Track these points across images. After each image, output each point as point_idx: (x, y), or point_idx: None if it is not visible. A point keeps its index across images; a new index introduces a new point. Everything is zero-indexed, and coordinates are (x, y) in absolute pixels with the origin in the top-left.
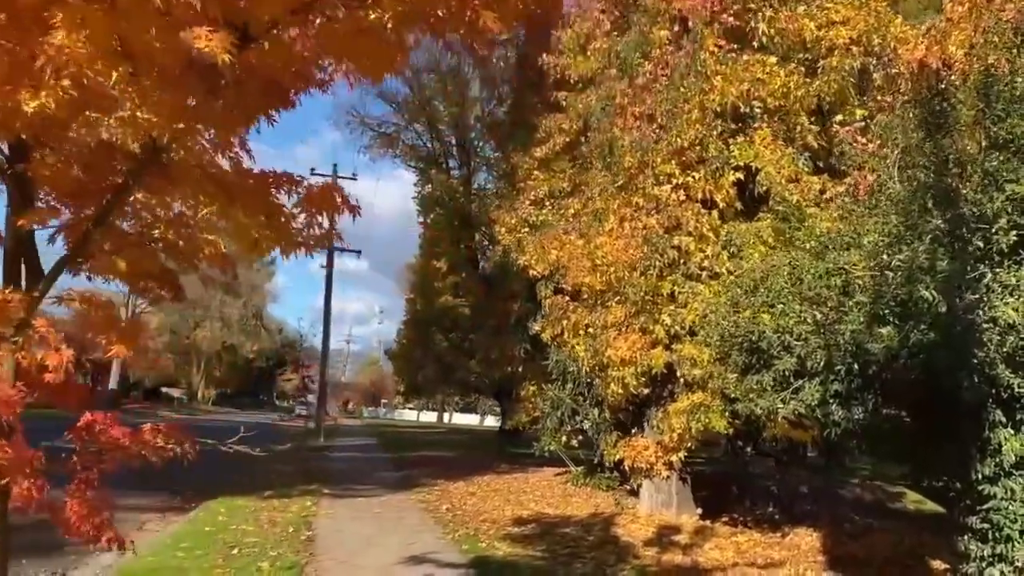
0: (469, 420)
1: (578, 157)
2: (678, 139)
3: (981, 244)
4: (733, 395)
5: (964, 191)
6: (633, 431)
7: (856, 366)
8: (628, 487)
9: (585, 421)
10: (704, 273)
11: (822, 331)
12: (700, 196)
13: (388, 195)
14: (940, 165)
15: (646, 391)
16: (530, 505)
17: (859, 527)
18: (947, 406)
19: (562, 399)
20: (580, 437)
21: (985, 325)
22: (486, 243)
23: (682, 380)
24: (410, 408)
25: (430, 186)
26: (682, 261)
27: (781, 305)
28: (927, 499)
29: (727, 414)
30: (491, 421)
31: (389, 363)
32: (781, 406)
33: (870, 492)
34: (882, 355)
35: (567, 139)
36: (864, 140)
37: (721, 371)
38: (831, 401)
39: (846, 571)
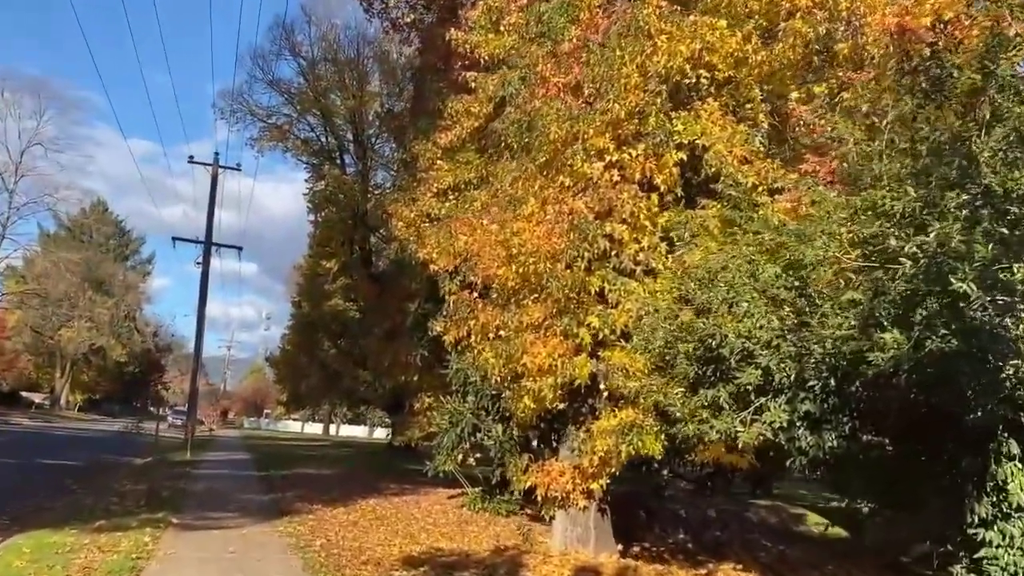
0: (357, 432)
1: (487, 146)
2: (616, 106)
3: (1006, 230)
4: (679, 414)
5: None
6: (545, 453)
7: (832, 382)
8: (530, 511)
9: (487, 439)
10: (639, 268)
11: (794, 337)
12: (638, 177)
13: (281, 198)
14: (950, 135)
15: (561, 406)
16: (422, 537)
17: (773, 555)
18: (943, 433)
19: (463, 414)
20: (478, 454)
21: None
22: (383, 246)
23: (606, 395)
24: (295, 419)
25: (323, 183)
26: (614, 253)
27: (745, 304)
28: (830, 522)
29: (663, 436)
30: (380, 433)
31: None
32: (741, 429)
33: (774, 514)
34: (884, 367)
35: (476, 124)
36: (823, 122)
37: (660, 384)
38: (799, 424)
39: None
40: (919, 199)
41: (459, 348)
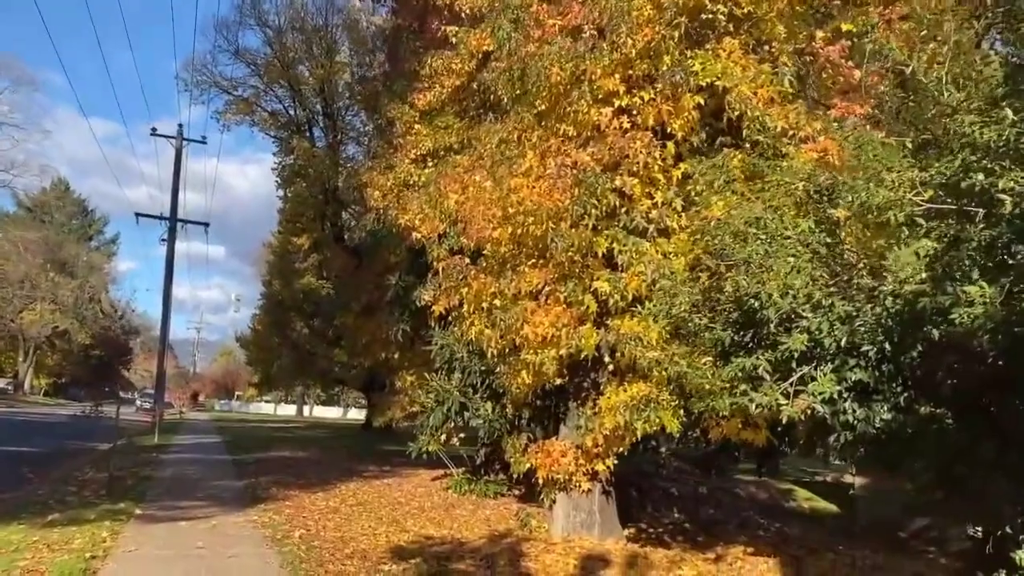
0: (331, 414)
1: (469, 108)
2: (628, 40)
3: None
4: (707, 386)
5: None
6: (537, 432)
7: (887, 346)
8: (518, 492)
9: (476, 418)
10: (652, 227)
11: (850, 296)
12: (651, 123)
13: (249, 179)
14: None
15: (559, 382)
16: (408, 524)
17: (771, 533)
18: (1014, 405)
19: (449, 392)
20: (462, 434)
21: None
22: (355, 222)
23: (611, 368)
24: (267, 401)
25: (292, 156)
26: (624, 211)
27: (791, 259)
28: (816, 496)
29: (681, 412)
30: (355, 414)
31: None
32: (784, 402)
33: (763, 490)
34: (969, 325)
35: (457, 82)
36: (851, 63)
37: (683, 354)
38: (845, 395)
39: None
40: (1021, 122)
41: (449, 320)
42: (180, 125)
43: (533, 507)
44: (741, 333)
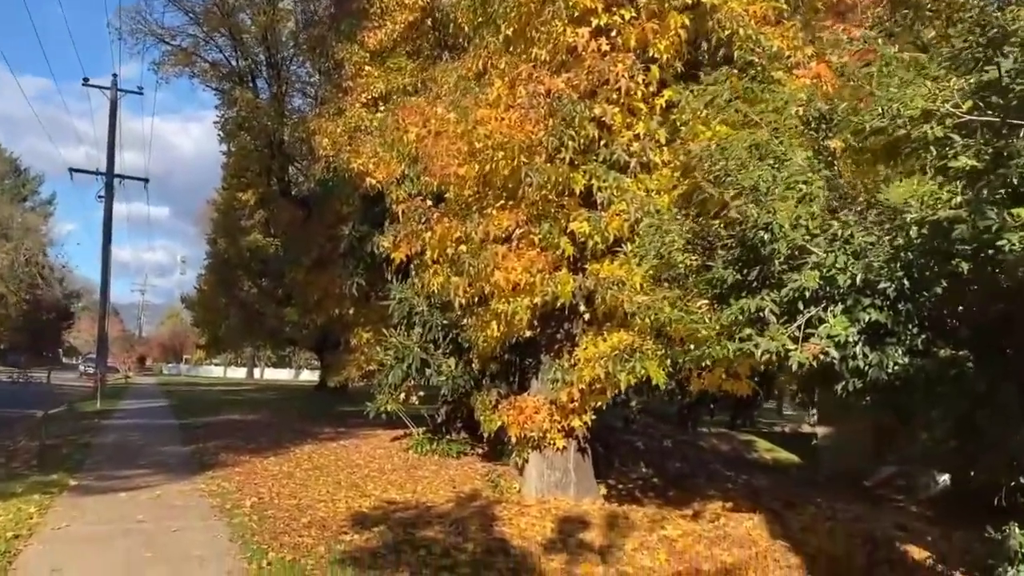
0: (283, 375)
1: (423, 48)
2: None
3: None
4: (703, 332)
5: None
6: (502, 389)
7: (907, 283)
8: (481, 451)
9: (438, 375)
10: (634, 161)
11: (867, 226)
12: (633, 44)
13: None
14: None
15: (529, 334)
16: (369, 488)
17: (740, 486)
18: None
19: (409, 348)
20: (421, 392)
21: None
22: (302, 177)
23: (587, 317)
24: (216, 364)
25: (235, 109)
26: (603, 143)
27: (803, 186)
28: (776, 447)
29: (668, 361)
30: (307, 376)
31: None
32: (792, 348)
33: (725, 442)
34: (1018, 253)
35: (410, 18)
36: None
37: (675, 297)
38: (857, 339)
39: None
40: None
41: (409, 270)
42: (115, 75)
43: (499, 466)
44: (744, 271)
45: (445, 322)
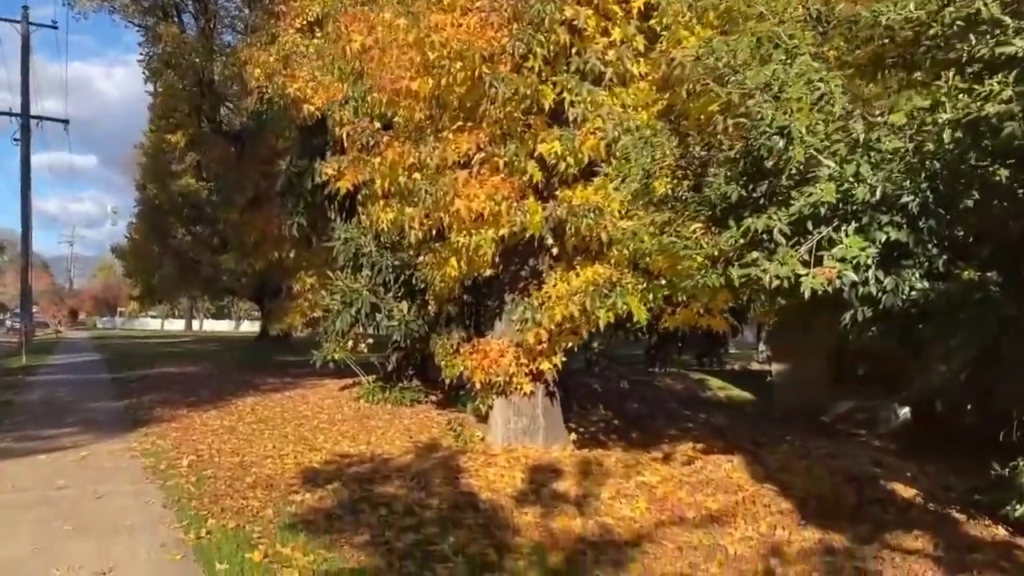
0: (223, 327)
1: None
2: None
3: None
4: (698, 259)
5: None
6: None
7: (930, 197)
8: (435, 398)
9: (389, 320)
10: (609, 71)
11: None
12: None
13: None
14: None
15: (489, 272)
16: (319, 441)
17: (700, 425)
18: None
19: (358, 292)
20: (370, 339)
21: None
22: (234, 116)
23: (554, 251)
24: (153, 316)
25: (159, 45)
26: (575, 51)
27: (820, 84)
28: (728, 384)
29: (649, 296)
30: (248, 327)
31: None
32: (804, 272)
33: (678, 381)
34: None
35: None
36: None
37: (663, 222)
38: (872, 262)
39: (827, 523)
40: None
41: (356, 204)
42: (25, 8)
43: (455, 413)
44: (750, 187)
45: (396, 263)
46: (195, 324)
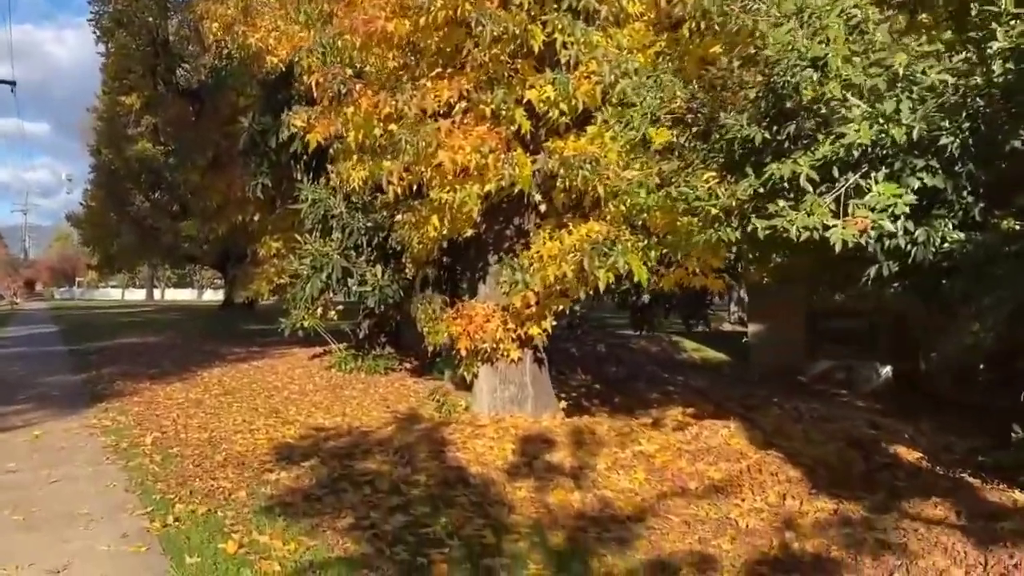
0: (185, 296)
1: None
2: None
3: None
4: (713, 211)
5: None
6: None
7: (971, 137)
8: (410, 366)
9: (362, 285)
10: (604, 9)
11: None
12: None
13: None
14: None
15: (469, 233)
16: (291, 414)
17: (681, 388)
18: None
19: (328, 256)
20: (339, 306)
21: None
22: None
23: (542, 208)
24: (113, 286)
25: (111, 3)
26: None
27: (855, 10)
28: (702, 346)
29: (651, 254)
30: (211, 295)
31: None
32: (834, 223)
33: (653, 343)
34: None
35: None
36: None
37: (671, 169)
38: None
39: (839, 491)
40: None
41: (325, 164)
42: None
43: (432, 381)
44: (773, 128)
45: (369, 224)
46: (156, 293)
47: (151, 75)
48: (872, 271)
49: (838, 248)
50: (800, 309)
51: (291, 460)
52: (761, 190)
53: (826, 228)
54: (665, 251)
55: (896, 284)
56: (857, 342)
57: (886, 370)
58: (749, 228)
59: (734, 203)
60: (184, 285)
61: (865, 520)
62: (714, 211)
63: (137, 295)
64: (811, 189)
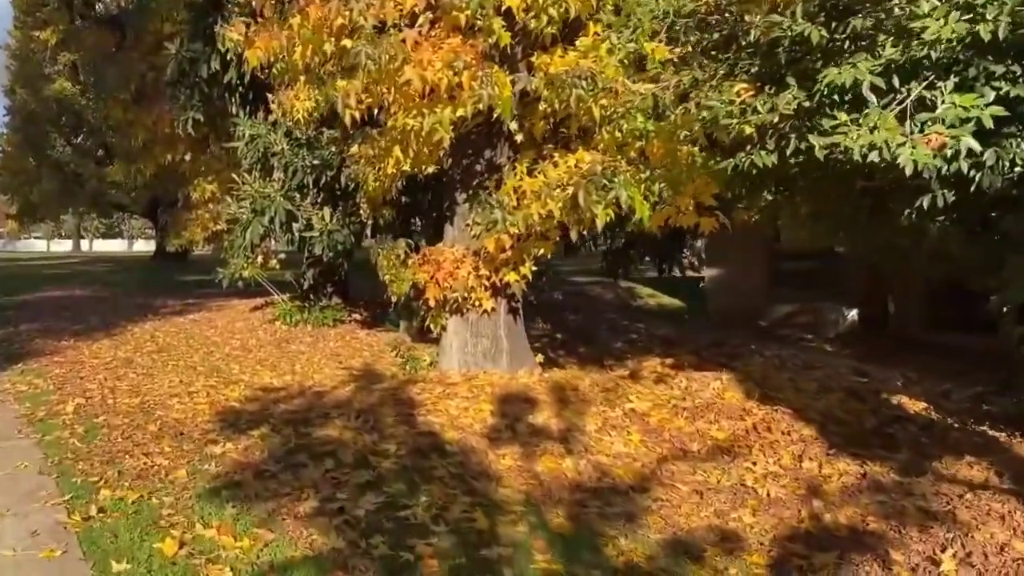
0: (115, 247)
1: None
2: None
3: None
4: (748, 129)
5: None
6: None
7: None
8: (359, 317)
9: (309, 230)
10: None
11: None
12: None
13: None
14: None
15: (431, 170)
16: (236, 372)
17: (644, 335)
18: None
19: (270, 198)
20: (281, 254)
21: None
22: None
23: (518, 138)
24: (37, 237)
25: None
26: None
27: None
28: (656, 292)
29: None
30: (142, 246)
31: None
32: (902, 140)
33: (608, 290)
34: None
35: None
36: None
37: (689, 81)
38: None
39: (858, 451)
40: None
41: (264, 95)
42: None
43: (384, 333)
44: (832, 26)
45: (315, 162)
46: (84, 245)
47: (67, 7)
48: (925, 201)
49: (908, 171)
50: (761, 252)
51: (238, 428)
52: (807, 103)
53: (897, 147)
54: (661, 186)
55: (941, 218)
56: (818, 285)
57: (852, 313)
58: (790, 149)
59: (776, 118)
60: (113, 236)
61: (898, 484)
62: (748, 130)
63: (63, 247)
64: (875, 100)
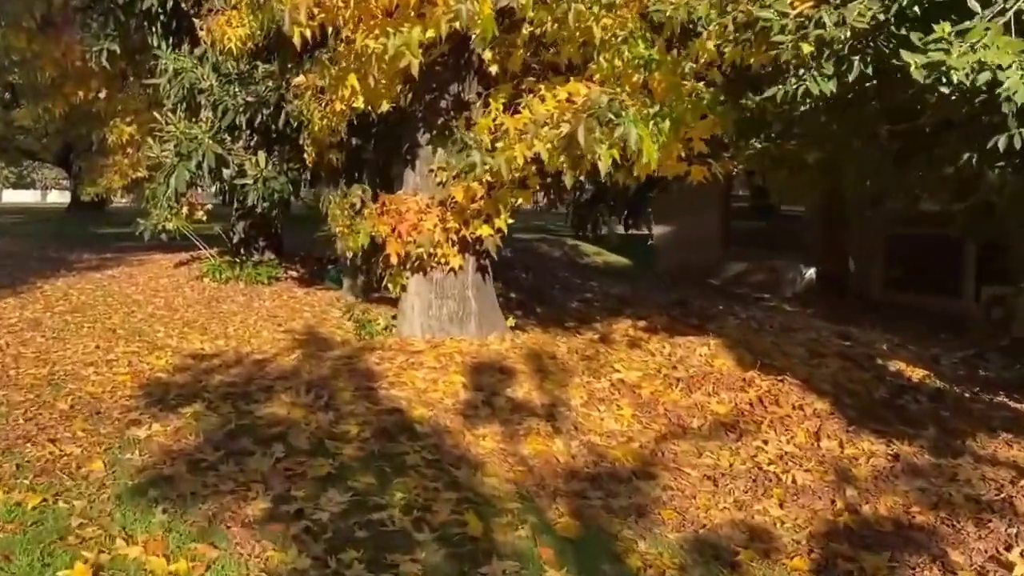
0: (27, 198)
1: None
2: None
3: None
4: (804, 46)
5: None
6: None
7: None
8: (296, 273)
9: (241, 177)
10: None
11: None
12: None
13: None
14: None
15: (386, 107)
16: (161, 336)
17: (600, 295)
18: None
19: (197, 140)
20: (208, 205)
21: None
22: None
23: (492, 70)
24: None
25: None
26: None
27: None
28: (601, 250)
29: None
30: (56, 197)
31: None
32: (1012, 60)
33: (554, 248)
34: None
35: None
36: None
37: None
38: None
39: (880, 427)
40: None
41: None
42: None
43: (324, 291)
44: None
45: (249, 99)
46: None
47: None
48: (1001, 141)
49: (1019, 102)
50: (713, 209)
51: (166, 405)
52: (881, 15)
53: (1002, 70)
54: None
55: (1002, 164)
56: (770, 244)
57: (809, 272)
58: (852, 74)
59: (847, 33)
60: (24, 186)
61: (935, 467)
62: (806, 48)
63: None
64: (979, 10)
